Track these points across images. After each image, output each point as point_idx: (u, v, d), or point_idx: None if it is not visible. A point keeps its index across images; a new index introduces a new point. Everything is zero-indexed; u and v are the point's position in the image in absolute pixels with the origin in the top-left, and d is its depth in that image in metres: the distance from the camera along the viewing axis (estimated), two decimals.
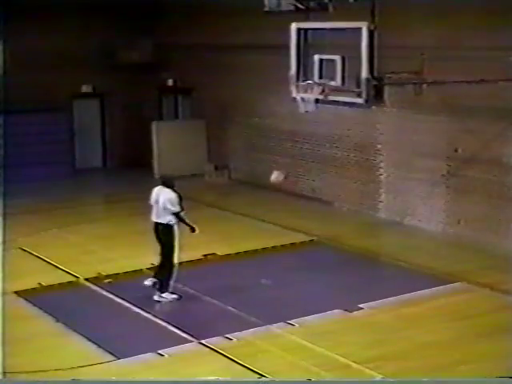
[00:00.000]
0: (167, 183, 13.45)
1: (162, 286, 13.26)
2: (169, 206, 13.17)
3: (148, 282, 13.26)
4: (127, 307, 13.00)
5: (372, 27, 13.24)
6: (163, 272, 13.31)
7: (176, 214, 13.22)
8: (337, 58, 13.70)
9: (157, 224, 13.35)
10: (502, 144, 15.59)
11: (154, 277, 13.33)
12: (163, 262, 13.34)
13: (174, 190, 13.33)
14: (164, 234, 13.28)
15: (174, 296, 13.29)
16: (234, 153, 22.31)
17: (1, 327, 10.84)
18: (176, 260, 13.30)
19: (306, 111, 14.48)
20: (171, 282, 13.29)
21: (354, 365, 10.73)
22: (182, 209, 13.26)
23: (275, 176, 15.06)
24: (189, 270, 14.63)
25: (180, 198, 13.27)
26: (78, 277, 14.37)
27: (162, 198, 13.25)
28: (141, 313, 12.75)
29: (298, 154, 20.30)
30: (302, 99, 14.20)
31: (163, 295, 13.25)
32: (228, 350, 11.21)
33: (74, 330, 11.96)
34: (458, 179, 16.56)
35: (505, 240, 15.65)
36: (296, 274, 14.60)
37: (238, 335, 11.71)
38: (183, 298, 13.39)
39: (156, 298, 13.24)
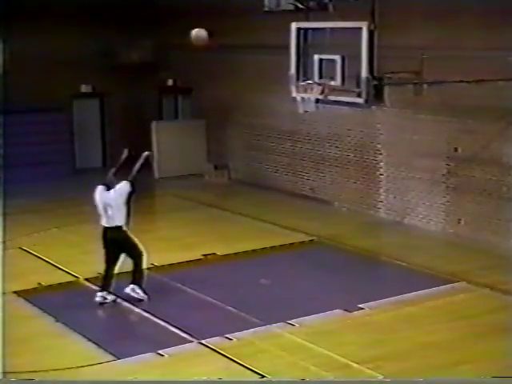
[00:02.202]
0: (109, 185, 13.03)
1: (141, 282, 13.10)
2: (123, 191, 12.83)
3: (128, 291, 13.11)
4: (127, 307, 13.00)
5: (372, 27, 13.25)
6: (136, 271, 13.11)
7: (133, 184, 12.88)
8: (337, 57, 13.70)
9: (107, 228, 12.97)
10: (502, 144, 15.60)
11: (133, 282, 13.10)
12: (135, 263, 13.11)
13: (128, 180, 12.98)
14: (119, 239, 12.96)
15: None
16: (233, 153, 22.31)
17: (1, 327, 10.85)
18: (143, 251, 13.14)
19: (306, 111, 14.49)
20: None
21: (354, 365, 10.73)
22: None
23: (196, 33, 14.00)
24: (189, 270, 14.66)
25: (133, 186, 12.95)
26: (77, 277, 14.37)
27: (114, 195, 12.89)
28: (141, 313, 12.75)
29: (298, 154, 20.30)
30: (302, 99, 14.21)
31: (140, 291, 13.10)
32: (228, 350, 11.20)
33: (74, 330, 11.95)
34: (458, 179, 16.57)
35: (505, 240, 15.66)
36: (296, 274, 14.60)
37: (238, 335, 11.70)
38: (183, 298, 13.40)
39: (137, 295, 13.10)
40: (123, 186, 12.94)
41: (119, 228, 12.95)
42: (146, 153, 13.67)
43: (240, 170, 22.17)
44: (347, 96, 13.97)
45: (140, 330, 12.33)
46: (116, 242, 13.04)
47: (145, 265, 13.27)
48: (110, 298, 13.05)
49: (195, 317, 12.65)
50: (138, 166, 13.27)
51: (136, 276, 13.10)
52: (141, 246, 13.12)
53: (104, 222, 13.03)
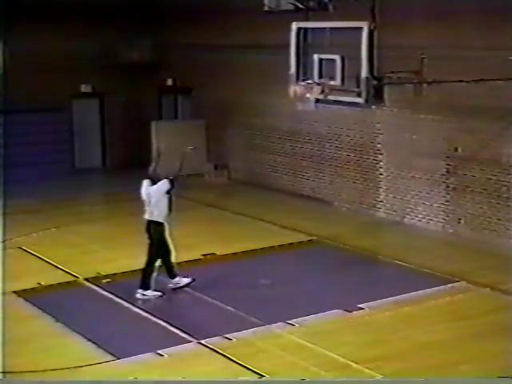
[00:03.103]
0: (154, 177, 13.49)
1: (145, 284, 13.31)
2: (163, 188, 13.24)
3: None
4: (127, 307, 13.00)
5: (372, 27, 13.26)
6: (147, 269, 13.38)
7: (172, 181, 13.27)
8: (337, 57, 13.72)
9: (149, 222, 13.41)
10: (502, 143, 15.59)
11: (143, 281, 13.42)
12: (150, 259, 13.39)
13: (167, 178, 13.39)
14: (156, 231, 13.33)
15: (157, 293, 13.34)
16: (233, 153, 22.31)
17: (1, 327, 10.86)
18: (173, 259, 13.44)
19: (306, 111, 14.51)
20: (153, 280, 13.38)
21: (353, 365, 10.73)
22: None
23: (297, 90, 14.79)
24: (188, 270, 14.64)
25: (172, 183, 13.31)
26: (77, 277, 14.37)
27: (156, 189, 13.29)
28: (140, 313, 12.75)
29: (298, 154, 20.30)
30: (302, 98, 14.22)
31: (146, 292, 13.30)
32: (228, 350, 11.20)
33: (74, 330, 11.95)
34: (458, 179, 16.57)
35: (505, 240, 15.66)
36: (296, 274, 14.60)
37: (238, 335, 11.71)
38: (184, 298, 13.41)
39: (139, 295, 13.29)
40: (163, 183, 13.35)
41: (157, 223, 13.30)
42: (187, 149, 14.12)
43: (240, 169, 22.17)
44: (347, 96, 13.99)
45: (140, 330, 12.31)
46: (153, 235, 13.36)
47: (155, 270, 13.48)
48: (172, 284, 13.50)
49: (195, 317, 12.66)
50: (179, 164, 13.64)
51: (145, 276, 13.38)
52: (170, 246, 13.35)
53: (146, 215, 13.44)
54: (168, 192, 13.30)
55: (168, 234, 13.36)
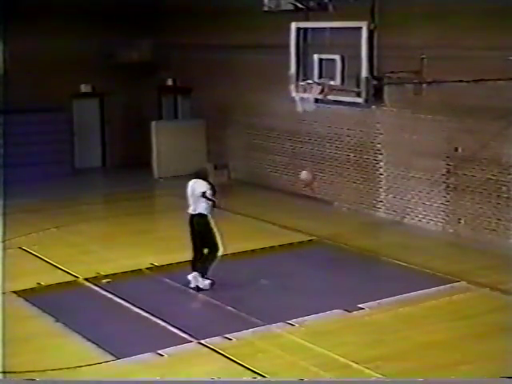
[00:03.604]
0: (201, 175, 13.74)
1: (204, 271, 13.59)
2: (199, 190, 13.45)
3: (190, 277, 13.61)
4: (127, 307, 12.99)
5: (372, 27, 13.28)
6: (208, 259, 13.61)
7: (203, 194, 13.44)
8: (336, 57, 13.73)
9: (192, 216, 13.62)
10: (502, 143, 15.59)
11: (195, 270, 13.61)
12: (205, 251, 13.61)
13: (208, 182, 13.63)
14: (200, 223, 13.55)
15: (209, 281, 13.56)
16: (233, 153, 22.31)
17: (1, 327, 10.86)
18: (220, 246, 13.67)
19: (305, 110, 14.52)
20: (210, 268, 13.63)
21: (353, 365, 10.72)
22: (214, 194, 13.57)
23: (304, 176, 16.07)
24: (188, 270, 14.64)
25: (213, 189, 13.58)
26: (77, 277, 14.36)
27: (198, 188, 13.55)
28: (140, 313, 12.74)
29: (298, 154, 20.30)
30: (302, 98, 14.23)
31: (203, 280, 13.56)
32: (228, 350, 11.20)
33: (74, 330, 11.94)
34: (458, 178, 16.57)
35: (505, 240, 15.66)
36: (296, 274, 14.60)
37: (238, 335, 11.70)
38: (183, 298, 13.41)
39: (200, 285, 13.53)
40: (204, 185, 13.55)
41: (200, 215, 13.53)
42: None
43: (240, 169, 22.16)
44: (347, 96, 14.00)
45: (140, 330, 12.31)
46: (197, 227, 13.56)
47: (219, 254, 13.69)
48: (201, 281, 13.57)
49: (195, 317, 12.66)
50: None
51: (200, 264, 13.59)
52: (218, 240, 13.56)
53: (189, 210, 13.66)
54: (202, 195, 13.47)
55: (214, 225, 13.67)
